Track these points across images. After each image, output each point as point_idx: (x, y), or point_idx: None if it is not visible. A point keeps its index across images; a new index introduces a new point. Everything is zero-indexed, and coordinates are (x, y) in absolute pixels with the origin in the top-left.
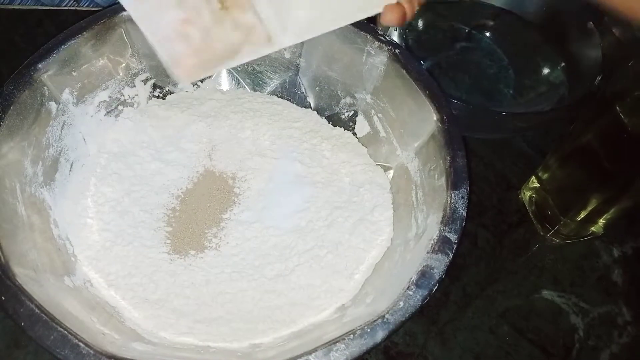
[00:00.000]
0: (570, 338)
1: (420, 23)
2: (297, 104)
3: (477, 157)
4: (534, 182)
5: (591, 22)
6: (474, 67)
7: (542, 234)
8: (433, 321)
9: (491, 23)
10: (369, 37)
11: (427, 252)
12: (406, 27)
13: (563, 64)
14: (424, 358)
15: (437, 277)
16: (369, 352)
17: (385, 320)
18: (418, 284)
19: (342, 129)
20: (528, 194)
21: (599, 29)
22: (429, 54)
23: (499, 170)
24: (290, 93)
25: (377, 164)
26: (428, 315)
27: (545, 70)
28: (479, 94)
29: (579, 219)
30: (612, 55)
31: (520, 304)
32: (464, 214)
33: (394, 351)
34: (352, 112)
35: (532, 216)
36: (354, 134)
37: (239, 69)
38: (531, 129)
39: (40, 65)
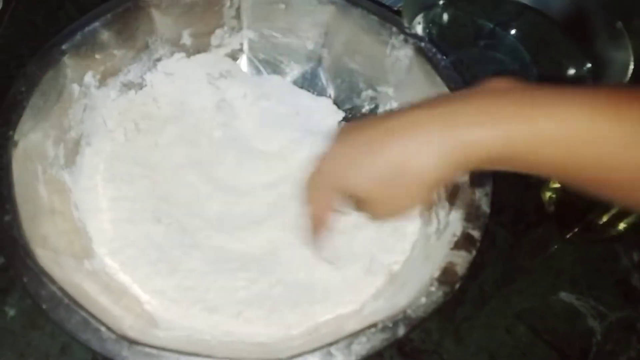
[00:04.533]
0: (588, 341)
1: (444, 18)
2: (318, 95)
3: None
4: (554, 182)
5: (620, 23)
6: (497, 64)
7: (560, 235)
8: (449, 318)
9: (515, 20)
10: (394, 29)
11: (450, 249)
12: (429, 22)
13: (589, 65)
14: (439, 355)
15: (459, 274)
16: (389, 346)
17: (406, 315)
18: (440, 280)
19: None
20: (548, 193)
21: (629, 30)
22: (451, 50)
23: None
24: (311, 84)
25: None
26: (444, 312)
27: (571, 70)
28: None
29: (600, 222)
30: None
31: (537, 304)
32: (488, 211)
33: (408, 347)
34: (374, 105)
35: (551, 216)
36: None
37: (260, 57)
38: None
39: (63, 47)
